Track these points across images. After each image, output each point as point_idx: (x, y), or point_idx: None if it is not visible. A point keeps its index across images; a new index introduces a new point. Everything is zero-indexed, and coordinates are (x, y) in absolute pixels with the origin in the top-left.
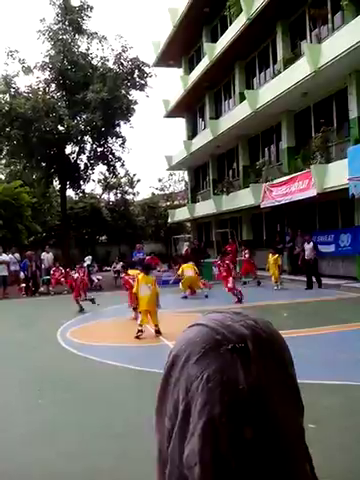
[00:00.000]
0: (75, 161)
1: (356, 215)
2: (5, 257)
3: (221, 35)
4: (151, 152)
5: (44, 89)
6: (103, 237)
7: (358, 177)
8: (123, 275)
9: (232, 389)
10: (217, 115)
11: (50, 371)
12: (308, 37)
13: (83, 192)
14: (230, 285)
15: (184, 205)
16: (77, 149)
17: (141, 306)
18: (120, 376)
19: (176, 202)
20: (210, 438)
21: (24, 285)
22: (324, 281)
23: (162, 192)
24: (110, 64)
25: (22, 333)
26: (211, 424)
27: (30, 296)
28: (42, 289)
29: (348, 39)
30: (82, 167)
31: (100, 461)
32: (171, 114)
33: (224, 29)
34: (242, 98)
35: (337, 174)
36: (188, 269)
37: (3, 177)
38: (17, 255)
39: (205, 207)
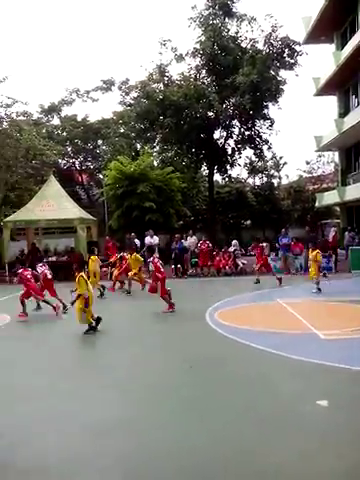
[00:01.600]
0: (223, 146)
1: None
2: (155, 240)
3: None
4: (299, 133)
5: (195, 76)
6: (248, 221)
7: None
8: (21, 270)
9: None
10: None
11: (197, 349)
12: None
13: (229, 176)
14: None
15: (333, 188)
16: (225, 134)
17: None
18: (267, 361)
19: (324, 185)
20: None
21: (173, 266)
22: None
23: (310, 175)
24: (260, 45)
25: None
26: None
27: (179, 278)
28: (191, 271)
29: None
30: (229, 151)
31: (244, 444)
32: (321, 92)
33: None
34: None
35: None
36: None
37: (156, 164)
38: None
39: (357, 190)
